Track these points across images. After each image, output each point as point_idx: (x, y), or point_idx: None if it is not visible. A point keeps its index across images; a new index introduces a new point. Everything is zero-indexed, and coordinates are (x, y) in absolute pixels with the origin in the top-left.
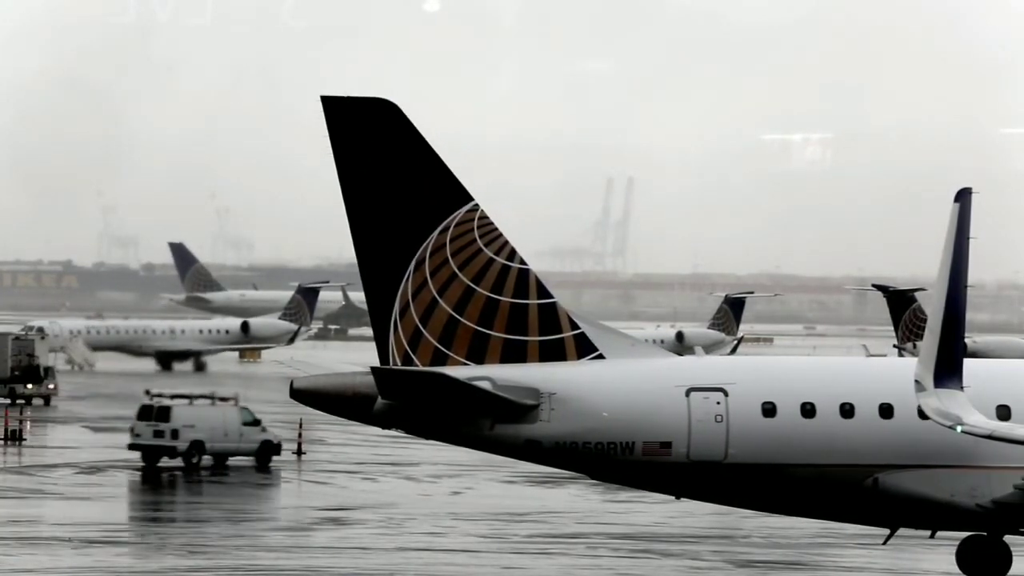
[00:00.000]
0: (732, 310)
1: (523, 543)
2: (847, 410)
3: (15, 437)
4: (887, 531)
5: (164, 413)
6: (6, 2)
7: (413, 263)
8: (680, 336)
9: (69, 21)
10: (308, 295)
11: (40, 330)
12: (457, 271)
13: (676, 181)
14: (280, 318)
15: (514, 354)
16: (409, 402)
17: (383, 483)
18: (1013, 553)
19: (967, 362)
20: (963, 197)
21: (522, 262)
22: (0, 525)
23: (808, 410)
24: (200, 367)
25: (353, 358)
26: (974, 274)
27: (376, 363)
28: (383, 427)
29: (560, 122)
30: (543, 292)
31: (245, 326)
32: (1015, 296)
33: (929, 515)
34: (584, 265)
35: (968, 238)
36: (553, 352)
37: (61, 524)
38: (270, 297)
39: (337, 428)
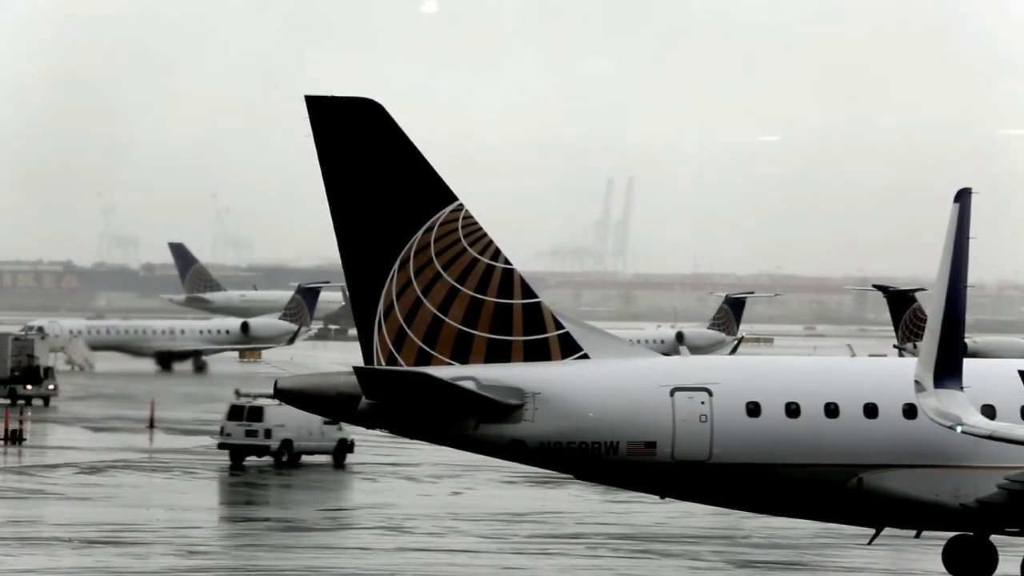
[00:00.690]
0: (732, 310)
1: (523, 543)
2: (832, 410)
3: (15, 437)
4: (873, 531)
5: (257, 413)
6: (7, 2)
7: (397, 263)
8: (680, 336)
9: (69, 22)
10: (308, 295)
11: (40, 330)
12: (441, 271)
13: (676, 181)
14: (280, 318)
15: (498, 354)
16: (393, 402)
17: (383, 483)
18: (999, 553)
19: None
20: (963, 197)
21: (506, 262)
22: (0, 525)
23: (793, 410)
24: (200, 367)
25: (354, 358)
26: (974, 274)
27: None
28: (367, 427)
29: (560, 122)
30: (527, 292)
31: (245, 326)
32: (1015, 296)
33: (914, 515)
34: (584, 265)
35: (968, 238)
36: (537, 352)
37: (61, 524)
38: (270, 297)
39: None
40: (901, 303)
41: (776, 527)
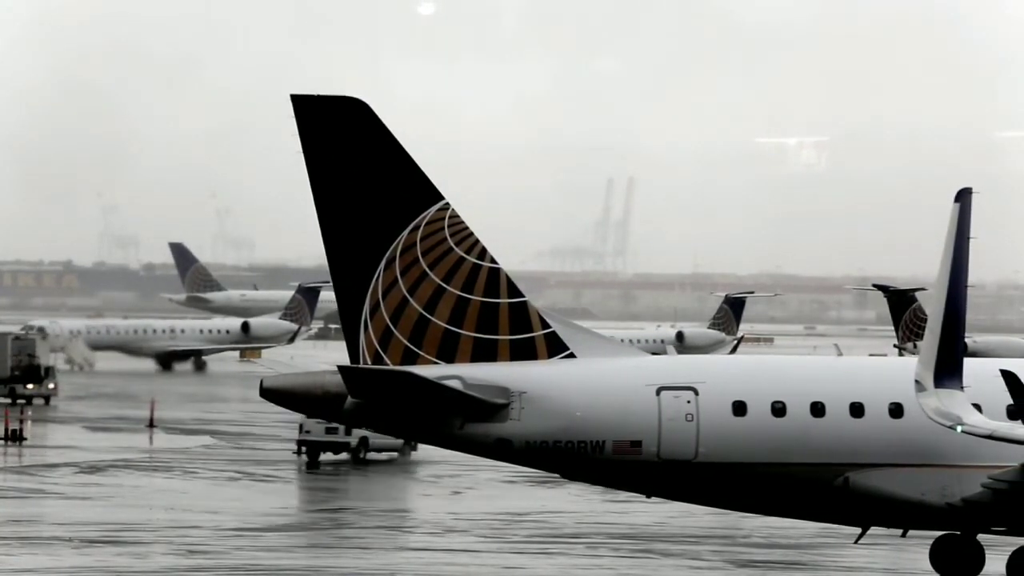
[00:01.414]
0: (732, 310)
1: (523, 543)
2: (818, 409)
3: (15, 437)
4: (858, 530)
5: None
6: (7, 3)
7: (383, 262)
8: (680, 336)
9: (69, 22)
10: (308, 295)
11: (40, 330)
12: (427, 270)
13: (676, 181)
14: (280, 318)
15: (484, 353)
16: (378, 401)
17: (383, 483)
18: (986, 552)
19: None
20: (963, 197)
21: (492, 261)
22: (0, 525)
23: (779, 409)
24: (200, 367)
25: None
26: (974, 274)
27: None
28: (353, 426)
29: (560, 122)
30: (514, 291)
31: (245, 326)
32: (1015, 296)
33: (900, 514)
34: (584, 265)
35: (968, 238)
36: (524, 351)
37: (61, 524)
38: (270, 297)
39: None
40: (901, 303)
41: (776, 527)
